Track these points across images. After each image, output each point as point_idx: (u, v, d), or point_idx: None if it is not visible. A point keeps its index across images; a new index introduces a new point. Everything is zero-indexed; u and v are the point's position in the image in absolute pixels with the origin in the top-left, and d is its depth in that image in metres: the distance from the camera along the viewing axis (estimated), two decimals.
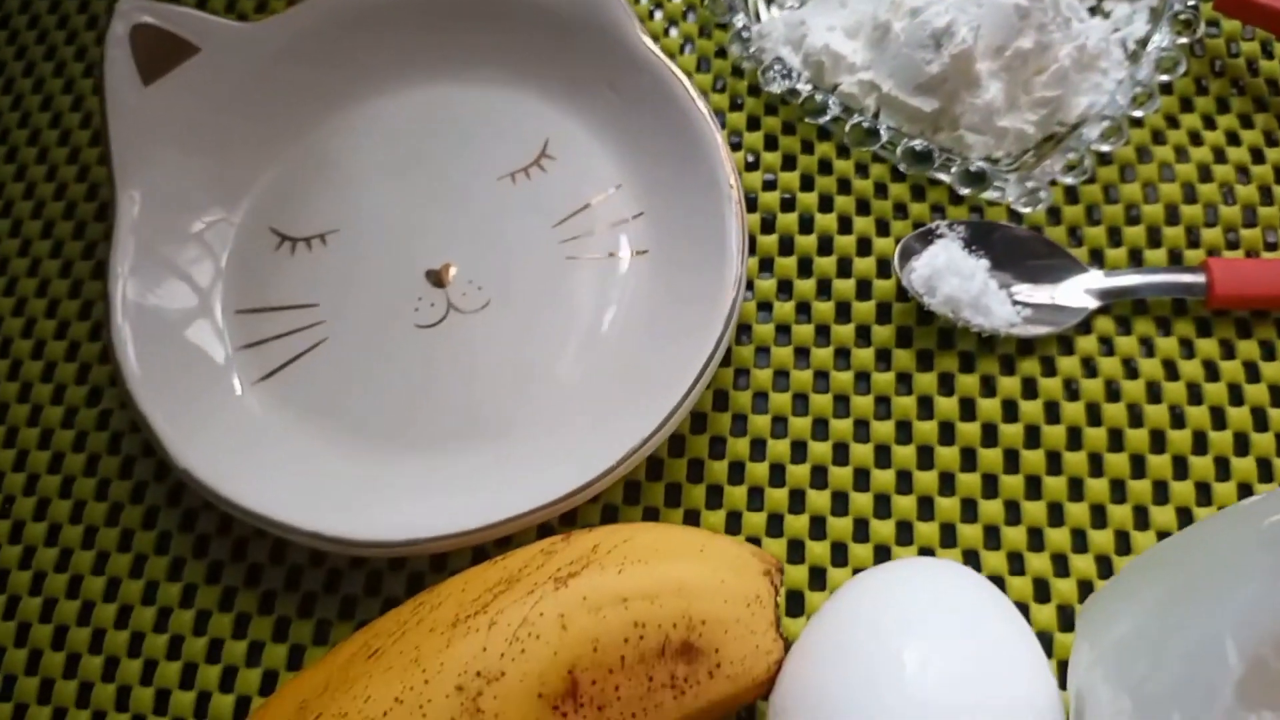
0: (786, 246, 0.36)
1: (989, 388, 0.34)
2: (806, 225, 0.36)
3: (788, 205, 0.37)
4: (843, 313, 0.35)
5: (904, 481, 0.33)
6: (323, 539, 0.30)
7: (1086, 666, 0.24)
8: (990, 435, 0.33)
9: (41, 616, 0.33)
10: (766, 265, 0.36)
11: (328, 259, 0.36)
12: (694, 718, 0.27)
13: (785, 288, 0.36)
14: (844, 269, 0.36)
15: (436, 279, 0.35)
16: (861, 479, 0.33)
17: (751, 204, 0.36)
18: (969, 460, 0.33)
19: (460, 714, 0.26)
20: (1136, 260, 0.35)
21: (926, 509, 0.32)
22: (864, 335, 0.35)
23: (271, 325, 0.35)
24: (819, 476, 0.33)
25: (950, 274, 0.33)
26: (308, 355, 0.35)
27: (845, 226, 0.36)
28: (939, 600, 0.26)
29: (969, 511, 0.32)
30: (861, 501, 0.33)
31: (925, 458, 0.33)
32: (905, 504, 0.32)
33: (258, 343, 0.35)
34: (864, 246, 0.36)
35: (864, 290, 0.35)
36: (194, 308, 0.34)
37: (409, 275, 0.35)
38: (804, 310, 0.35)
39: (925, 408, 0.34)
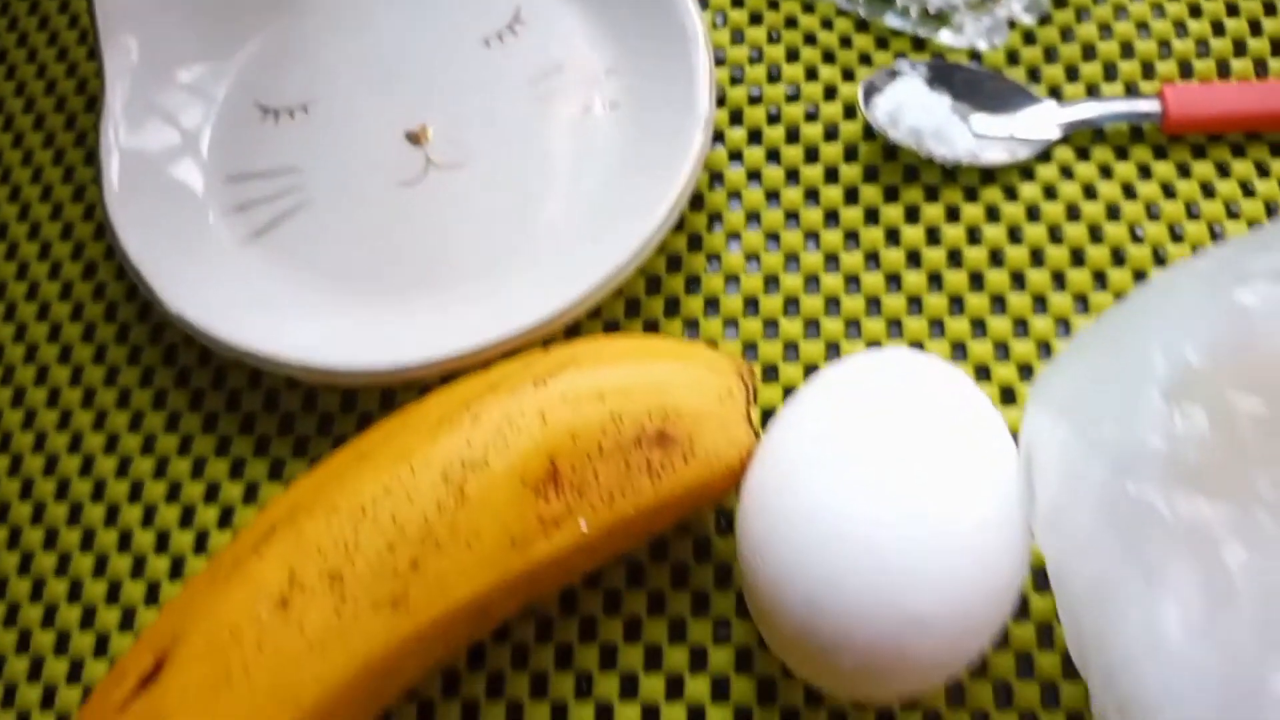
0: (755, 97, 0.37)
1: (953, 216, 0.35)
2: (774, 76, 0.38)
3: (756, 59, 0.38)
4: (811, 155, 0.36)
5: (873, 307, 0.34)
6: (312, 370, 0.32)
7: (1032, 418, 0.25)
8: (955, 259, 0.34)
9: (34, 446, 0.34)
10: (736, 117, 0.37)
11: (309, 126, 0.37)
12: (671, 503, 0.28)
13: (755, 136, 0.37)
14: (811, 115, 0.37)
15: (414, 139, 0.36)
16: (833, 307, 0.34)
17: (720, 60, 0.37)
18: (936, 284, 0.34)
19: (446, 499, 0.27)
20: (1095, 95, 0.36)
21: (896, 331, 0.33)
22: (832, 175, 0.36)
23: (257, 190, 0.36)
24: (792, 307, 0.34)
25: (913, 106, 0.34)
26: (293, 215, 0.36)
27: (812, 75, 0.37)
28: (901, 382, 0.27)
29: (937, 330, 0.33)
30: (833, 327, 0.34)
31: (894, 284, 0.34)
32: (875, 327, 0.34)
33: (244, 206, 0.36)
34: (830, 93, 0.37)
35: (831, 133, 0.36)
36: (182, 164, 0.36)
37: (388, 137, 0.36)
38: (774, 156, 0.36)
39: (893, 238, 0.35)
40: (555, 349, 0.30)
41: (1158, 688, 0.20)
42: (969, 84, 0.36)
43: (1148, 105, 0.35)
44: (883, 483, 0.25)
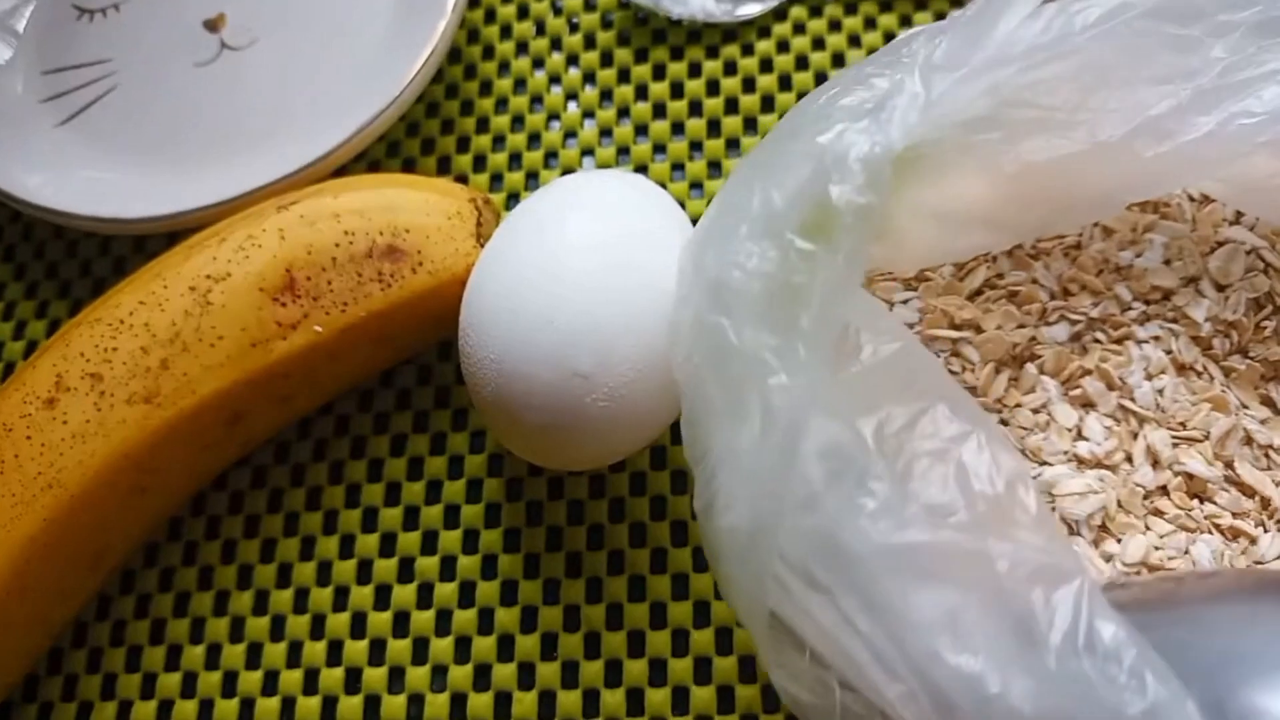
0: None
1: (695, 71, 0.38)
2: None
3: None
4: (573, 28, 0.40)
5: (623, 155, 0.37)
6: (105, 221, 0.35)
7: (687, 245, 0.27)
8: (696, 109, 0.38)
9: None
10: None
11: (120, 22, 0.41)
12: (402, 308, 0.31)
13: (523, 11, 0.40)
14: None
15: (212, 26, 0.40)
16: (588, 158, 0.37)
17: None
18: (679, 131, 0.37)
19: (193, 306, 0.30)
20: None
21: (661, 153, 0.37)
22: (590, 42, 0.39)
23: (71, 80, 0.40)
24: (552, 159, 0.38)
25: None
26: (102, 100, 0.39)
27: None
28: (597, 191, 0.31)
29: (678, 173, 0.37)
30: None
31: (642, 133, 0.38)
32: (642, 149, 0.37)
33: (59, 95, 0.40)
34: None
35: (590, 4, 0.40)
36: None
37: (188, 26, 0.40)
38: (541, 27, 0.40)
39: (642, 95, 0.38)
40: (310, 188, 0.33)
41: (730, 488, 0.22)
42: None
43: None
44: (562, 263, 0.28)
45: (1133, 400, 0.28)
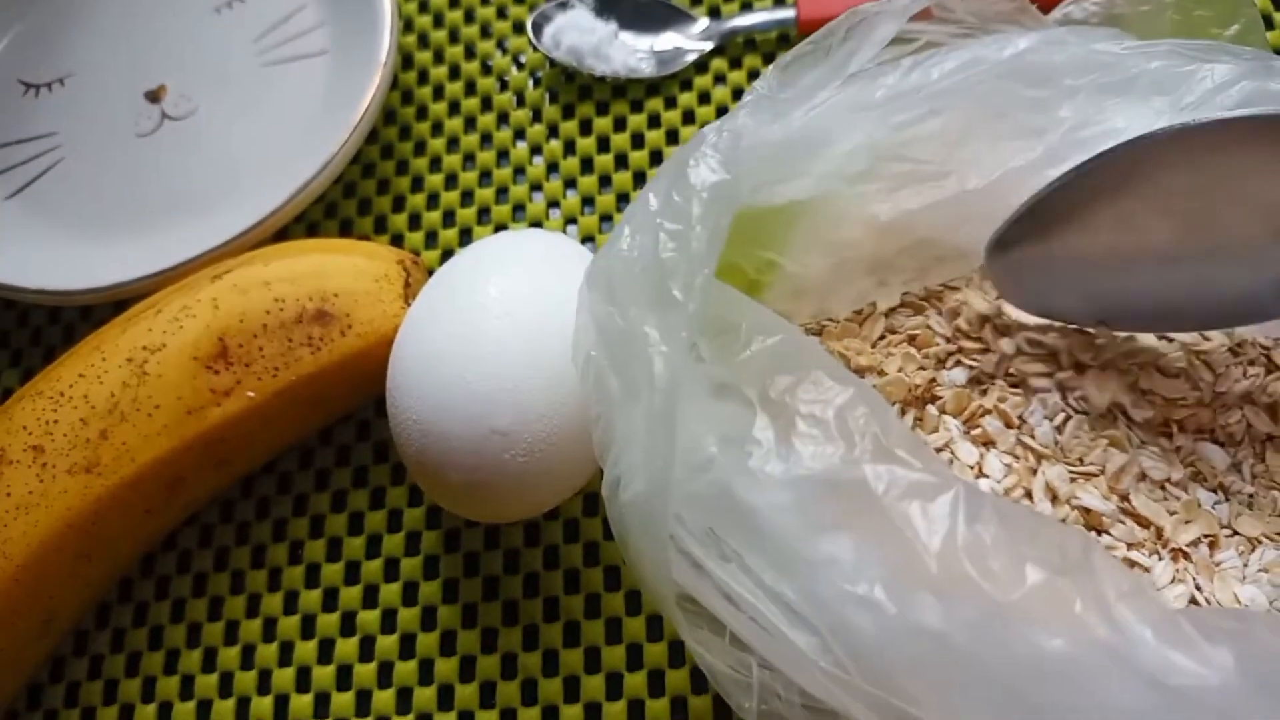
0: (454, 38, 0.42)
1: (621, 125, 0.39)
2: (469, 18, 0.42)
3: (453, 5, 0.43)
4: (504, 86, 0.41)
5: (553, 210, 0.39)
6: (50, 294, 0.36)
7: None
8: (622, 162, 0.39)
9: None
10: (439, 56, 0.42)
11: (65, 96, 0.42)
12: (333, 370, 0.33)
13: (455, 72, 0.42)
14: (502, 47, 0.42)
15: (153, 97, 0.41)
16: (519, 212, 0.39)
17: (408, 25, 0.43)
18: (606, 184, 0.39)
19: (130, 377, 0.32)
20: (749, 10, 0.41)
21: (573, 227, 0.38)
22: (520, 100, 0.41)
23: (16, 155, 0.41)
24: (484, 215, 0.39)
25: (571, 29, 0.39)
26: (48, 173, 0.41)
27: (502, 14, 0.42)
28: (515, 251, 0.32)
29: (606, 224, 0.38)
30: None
31: (571, 186, 0.39)
32: (554, 226, 0.38)
33: (6, 169, 0.41)
34: (518, 28, 0.42)
35: (518, 62, 0.41)
36: None
37: (131, 98, 0.41)
38: (472, 87, 0.41)
39: (570, 150, 0.39)
40: (245, 255, 0.35)
41: (631, 465, 0.23)
42: (635, 10, 0.40)
43: (783, 12, 0.40)
44: (479, 324, 0.29)
45: (1033, 438, 0.29)
